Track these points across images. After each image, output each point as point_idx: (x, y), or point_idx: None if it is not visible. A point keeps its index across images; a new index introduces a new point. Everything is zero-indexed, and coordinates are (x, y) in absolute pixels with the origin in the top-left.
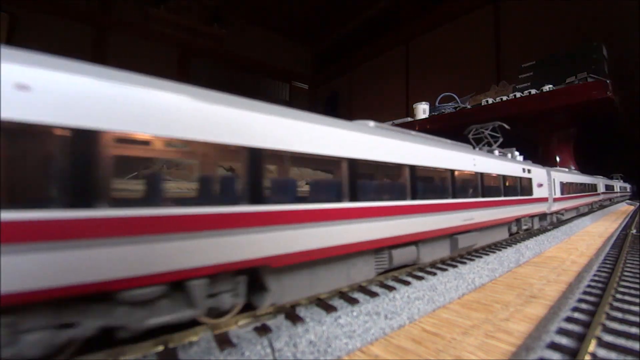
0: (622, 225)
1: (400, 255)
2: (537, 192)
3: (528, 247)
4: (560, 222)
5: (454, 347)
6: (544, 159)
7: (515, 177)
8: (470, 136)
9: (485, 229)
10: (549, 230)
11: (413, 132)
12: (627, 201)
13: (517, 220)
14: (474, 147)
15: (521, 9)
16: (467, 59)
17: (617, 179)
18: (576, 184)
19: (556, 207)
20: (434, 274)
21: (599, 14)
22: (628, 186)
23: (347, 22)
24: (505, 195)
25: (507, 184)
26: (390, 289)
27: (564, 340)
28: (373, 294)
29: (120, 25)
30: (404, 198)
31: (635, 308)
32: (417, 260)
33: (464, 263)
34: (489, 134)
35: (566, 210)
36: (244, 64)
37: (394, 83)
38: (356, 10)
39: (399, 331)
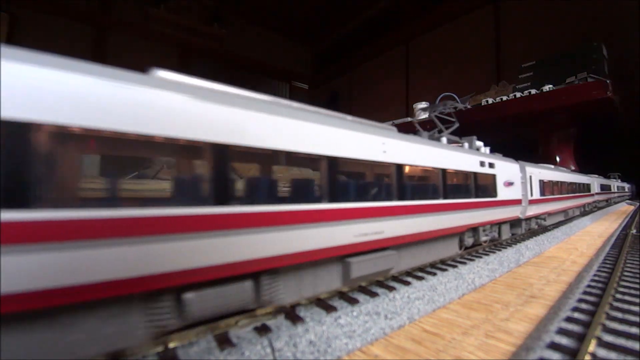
0: (622, 225)
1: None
2: (505, 193)
3: (528, 247)
4: (560, 222)
5: (454, 347)
6: (544, 159)
7: (467, 173)
8: (415, 121)
9: (413, 245)
10: (549, 230)
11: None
12: (627, 201)
13: (474, 229)
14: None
15: (521, 9)
16: (467, 59)
17: (614, 178)
18: (563, 183)
19: (534, 210)
20: (434, 274)
21: (599, 14)
22: (627, 186)
23: (347, 22)
24: (446, 197)
25: (451, 181)
26: (390, 289)
27: (564, 340)
28: (373, 294)
29: (120, 25)
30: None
31: (635, 308)
32: (255, 303)
33: (464, 263)
34: (438, 117)
35: (549, 214)
36: (244, 64)
37: (394, 83)
38: (356, 10)
39: (399, 331)
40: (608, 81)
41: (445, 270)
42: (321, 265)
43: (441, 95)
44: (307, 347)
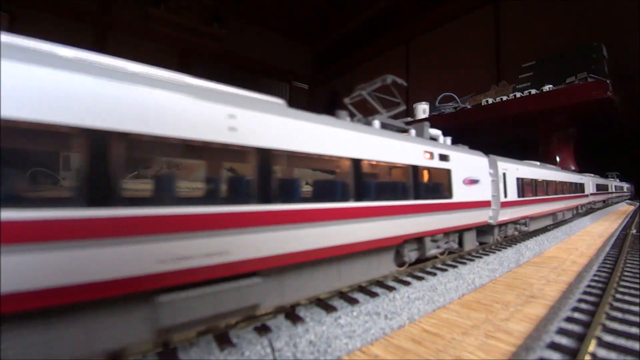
0: (622, 225)
1: None
2: (466, 193)
3: (528, 247)
4: (561, 222)
5: (454, 347)
6: (544, 159)
7: (403, 167)
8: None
9: (306, 267)
10: (549, 230)
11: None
12: (627, 201)
13: (419, 239)
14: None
15: (521, 9)
16: (467, 59)
17: (612, 177)
18: (549, 182)
19: (510, 214)
20: (434, 274)
21: (599, 14)
22: (625, 185)
23: (347, 22)
24: (361, 199)
25: (374, 177)
26: (390, 289)
27: (564, 340)
28: (373, 294)
29: (120, 24)
30: None
31: (635, 308)
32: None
33: (464, 263)
34: (371, 95)
35: (531, 218)
36: (244, 64)
37: (393, 83)
38: (356, 10)
39: (399, 331)
40: (608, 81)
41: (445, 270)
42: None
43: (441, 95)
44: (307, 347)
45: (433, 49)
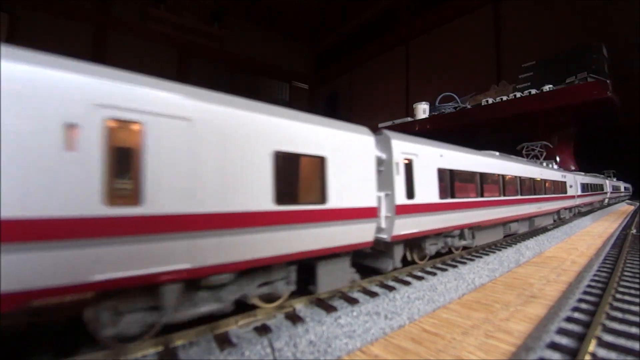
0: (622, 225)
1: None
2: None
3: (528, 247)
4: (560, 222)
5: (454, 347)
6: (544, 159)
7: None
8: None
9: None
10: (549, 230)
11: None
12: (627, 201)
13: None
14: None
15: (521, 9)
16: (467, 58)
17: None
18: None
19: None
20: (434, 274)
21: (599, 13)
22: (623, 185)
23: (347, 22)
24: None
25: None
26: (390, 289)
27: (564, 340)
28: (373, 294)
29: (120, 24)
30: None
31: (635, 308)
32: None
33: (464, 263)
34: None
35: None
36: (244, 64)
37: (394, 83)
38: (356, 10)
39: (399, 331)
40: (608, 81)
41: (445, 270)
42: None
43: (441, 95)
44: (307, 347)
45: (433, 49)
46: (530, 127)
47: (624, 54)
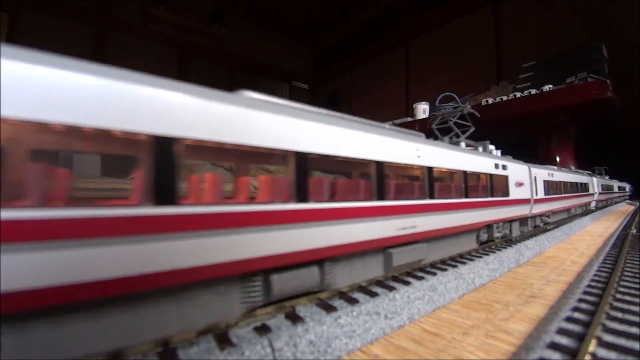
0: (622, 225)
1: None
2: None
3: (528, 247)
4: (560, 222)
5: (454, 347)
6: (544, 159)
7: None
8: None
9: None
10: (549, 230)
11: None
12: (627, 201)
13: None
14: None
15: (521, 9)
16: (467, 59)
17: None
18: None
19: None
20: (434, 274)
21: (599, 13)
22: (617, 185)
23: (347, 22)
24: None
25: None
26: (390, 289)
27: (564, 340)
28: (373, 294)
29: (120, 24)
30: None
31: (635, 308)
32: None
33: (464, 263)
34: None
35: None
36: (244, 64)
37: (394, 83)
38: (356, 10)
39: (399, 331)
40: (608, 81)
41: (445, 270)
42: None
43: (441, 95)
44: (307, 347)
45: (433, 48)
46: (531, 127)
47: (624, 54)
